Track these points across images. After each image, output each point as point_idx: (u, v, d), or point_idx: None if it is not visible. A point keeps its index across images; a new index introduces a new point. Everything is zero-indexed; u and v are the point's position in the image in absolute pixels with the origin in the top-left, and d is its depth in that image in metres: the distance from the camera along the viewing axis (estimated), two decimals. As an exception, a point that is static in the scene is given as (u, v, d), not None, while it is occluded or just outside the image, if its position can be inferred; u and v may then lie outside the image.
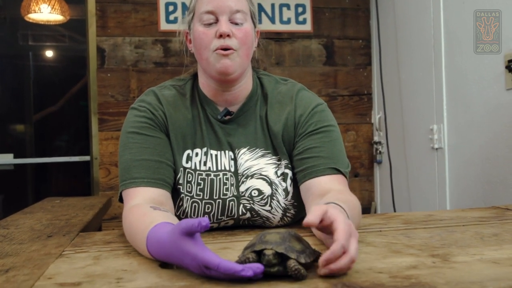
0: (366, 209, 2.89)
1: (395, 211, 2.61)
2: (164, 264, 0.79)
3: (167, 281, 0.69)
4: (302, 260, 0.68)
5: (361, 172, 2.94)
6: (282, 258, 0.68)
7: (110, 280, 0.70)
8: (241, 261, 0.68)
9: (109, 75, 2.70)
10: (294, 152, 1.10)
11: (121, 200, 1.05)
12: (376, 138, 2.90)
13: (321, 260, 0.67)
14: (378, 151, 2.86)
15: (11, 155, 2.89)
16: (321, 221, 0.73)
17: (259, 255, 0.68)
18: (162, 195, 1.02)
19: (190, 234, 0.68)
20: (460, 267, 0.72)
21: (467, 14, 1.95)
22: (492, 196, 1.87)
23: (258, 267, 0.65)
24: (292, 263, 0.67)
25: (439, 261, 0.76)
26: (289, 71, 2.78)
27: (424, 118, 2.35)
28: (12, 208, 1.54)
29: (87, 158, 2.82)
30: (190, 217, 1.05)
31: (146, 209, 0.92)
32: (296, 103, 1.13)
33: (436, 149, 2.25)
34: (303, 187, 1.08)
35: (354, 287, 0.63)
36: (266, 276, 0.67)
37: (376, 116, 2.89)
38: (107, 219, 2.52)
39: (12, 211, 1.56)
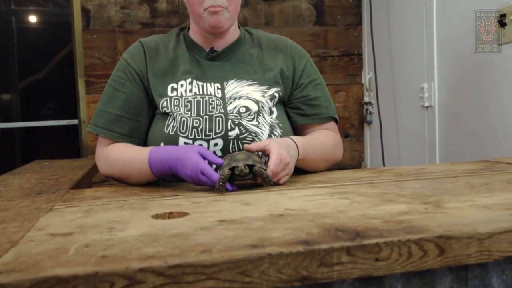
0: (356, 168, 2.91)
1: (385, 170, 2.62)
2: (155, 216, 0.79)
3: (159, 230, 0.68)
4: (264, 167, 0.99)
5: (351, 132, 2.94)
6: (250, 169, 0.97)
7: (102, 230, 0.69)
8: (221, 175, 0.96)
9: (94, 36, 2.64)
10: (298, 95, 1.24)
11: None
12: (366, 99, 2.89)
13: (269, 170, 0.98)
14: (368, 112, 2.86)
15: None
16: (265, 151, 1.01)
17: (233, 170, 0.96)
18: (127, 149, 1.15)
19: (202, 156, 0.98)
20: (452, 212, 0.72)
21: (460, -32, 1.92)
22: (481, 152, 1.88)
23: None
24: (257, 169, 0.97)
25: (431, 208, 0.76)
26: (279, 31, 2.73)
27: (415, 77, 2.34)
28: (0, 172, 1.52)
29: (75, 121, 2.78)
30: (180, 130, 1.12)
31: (122, 147, 1.14)
32: (291, 49, 1.26)
33: (427, 107, 2.25)
34: (306, 127, 1.25)
35: (347, 230, 0.63)
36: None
37: (367, 76, 2.88)
38: (97, 182, 2.51)
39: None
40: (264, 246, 0.58)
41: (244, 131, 1.13)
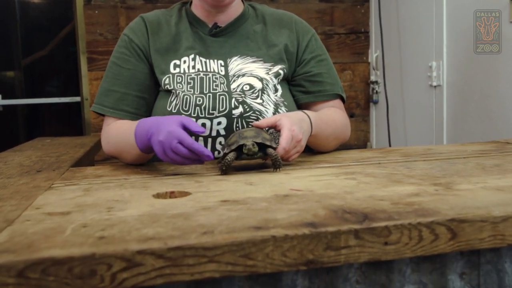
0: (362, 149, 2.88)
1: (390, 151, 2.59)
2: (156, 195, 0.77)
3: (160, 210, 0.66)
4: (274, 145, 0.93)
5: (357, 112, 2.90)
6: (259, 146, 0.92)
7: (101, 210, 0.67)
8: (223, 158, 0.92)
9: (96, 12, 2.59)
10: (301, 71, 1.18)
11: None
12: (372, 78, 2.84)
13: (280, 147, 0.92)
14: (375, 91, 2.81)
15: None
16: (276, 126, 0.97)
17: (241, 148, 0.91)
18: (125, 123, 1.11)
19: (185, 129, 0.89)
20: (463, 194, 0.70)
21: None
22: (490, 133, 1.84)
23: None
24: (271, 152, 0.92)
25: (442, 189, 0.73)
26: (284, 8, 2.65)
27: (423, 55, 2.29)
28: (2, 150, 1.50)
29: (77, 99, 2.76)
30: (182, 108, 1.09)
31: (119, 124, 1.09)
32: (296, 25, 1.22)
33: (435, 86, 2.20)
34: (310, 105, 1.19)
35: (355, 212, 0.61)
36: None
37: (373, 54, 2.82)
38: (99, 160, 2.50)
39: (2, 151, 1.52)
40: (269, 228, 0.55)
41: (248, 109, 1.10)
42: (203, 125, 1.08)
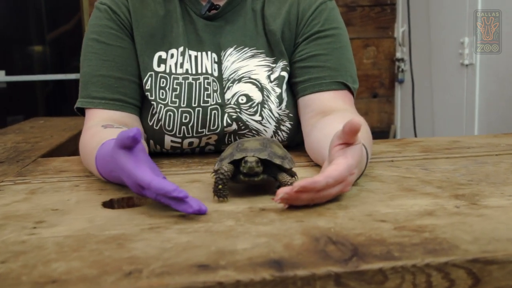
0: (384, 133, 2.68)
1: (416, 135, 2.40)
2: (108, 203, 0.63)
3: (97, 228, 0.52)
4: (287, 166, 0.63)
5: (381, 92, 2.70)
6: (265, 165, 0.62)
7: (26, 225, 0.54)
8: (216, 172, 0.62)
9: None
10: (295, 57, 0.92)
11: (79, 111, 0.91)
12: (398, 55, 2.63)
13: (296, 184, 0.54)
14: (400, 69, 2.60)
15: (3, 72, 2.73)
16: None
17: (237, 165, 0.61)
18: (124, 117, 0.87)
19: (126, 147, 0.58)
20: (493, 215, 0.53)
21: None
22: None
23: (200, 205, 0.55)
24: (286, 179, 0.61)
25: (465, 206, 0.57)
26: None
27: (454, 30, 2.09)
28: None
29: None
30: (165, 128, 0.88)
31: (96, 130, 0.79)
32: None
33: (466, 65, 2.00)
34: (302, 102, 0.91)
35: (342, 243, 0.45)
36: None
37: (400, 29, 2.60)
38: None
39: None
40: (217, 268, 0.40)
41: (243, 127, 0.90)
42: (190, 143, 0.90)
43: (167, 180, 0.55)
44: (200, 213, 0.54)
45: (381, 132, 2.64)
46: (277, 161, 0.61)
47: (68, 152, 1.21)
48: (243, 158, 0.60)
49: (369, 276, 0.40)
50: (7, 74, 2.72)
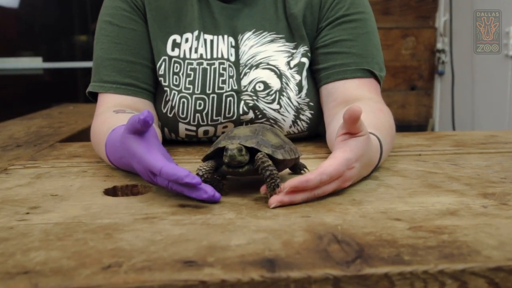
0: (422, 127, 2.58)
1: (454, 130, 2.29)
2: (110, 191, 0.60)
3: (89, 216, 0.49)
4: (279, 156, 0.53)
5: (419, 84, 2.59)
6: (253, 154, 0.53)
7: (20, 210, 0.52)
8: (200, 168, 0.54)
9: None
10: (318, 42, 0.86)
11: (92, 96, 0.87)
12: (439, 46, 2.51)
13: (287, 185, 0.50)
14: (441, 61, 2.49)
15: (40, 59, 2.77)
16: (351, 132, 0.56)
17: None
18: (137, 102, 0.84)
19: (137, 132, 0.55)
20: (525, 217, 0.47)
21: None
22: None
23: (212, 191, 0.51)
24: (260, 156, 0.52)
25: (493, 205, 0.51)
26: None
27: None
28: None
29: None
30: (179, 115, 0.85)
31: (108, 115, 0.76)
32: None
33: (511, 56, 1.88)
34: (324, 90, 0.86)
35: (347, 242, 0.41)
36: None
37: (441, 19, 2.48)
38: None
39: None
40: (203, 266, 0.37)
41: (260, 116, 0.86)
42: (206, 132, 0.87)
43: (178, 166, 0.51)
44: (214, 200, 0.52)
45: (418, 126, 2.54)
46: (266, 150, 0.53)
47: (89, 138, 1.20)
48: (225, 147, 0.52)
49: (372, 282, 0.36)
50: (44, 61, 2.77)
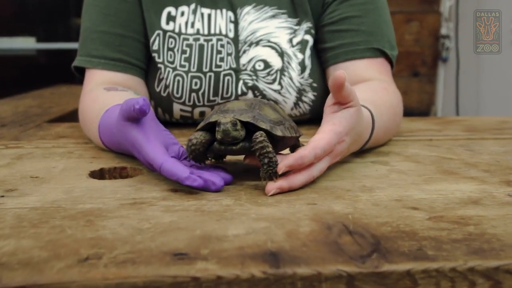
0: (424, 113, 2.52)
1: (458, 117, 2.24)
2: (96, 173, 0.55)
3: (69, 201, 0.44)
4: (278, 133, 0.47)
5: (422, 71, 2.53)
6: (249, 131, 0.47)
7: (-6, 193, 0.46)
8: (187, 146, 0.48)
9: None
10: (325, 19, 0.81)
11: (78, 71, 0.81)
12: (444, 31, 2.44)
13: (281, 165, 0.45)
14: (445, 47, 2.42)
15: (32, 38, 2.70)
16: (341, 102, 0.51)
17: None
18: (127, 79, 0.78)
19: (133, 120, 0.49)
20: (557, 208, 0.42)
21: None
22: None
23: (219, 180, 0.46)
24: (259, 136, 0.45)
25: (520, 194, 0.46)
26: None
27: (506, 4, 1.90)
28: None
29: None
30: (173, 95, 0.79)
31: (98, 93, 0.70)
32: None
33: (519, 43, 1.82)
34: (332, 71, 0.80)
35: (361, 234, 0.36)
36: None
37: (447, 3, 2.41)
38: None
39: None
40: (195, 259, 0.32)
41: (260, 96, 0.80)
42: (202, 113, 0.81)
43: (179, 163, 0.46)
44: (217, 189, 0.46)
45: (420, 113, 2.48)
46: (264, 126, 0.46)
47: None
48: (218, 122, 0.46)
49: (392, 280, 0.31)
50: (38, 41, 2.69)
